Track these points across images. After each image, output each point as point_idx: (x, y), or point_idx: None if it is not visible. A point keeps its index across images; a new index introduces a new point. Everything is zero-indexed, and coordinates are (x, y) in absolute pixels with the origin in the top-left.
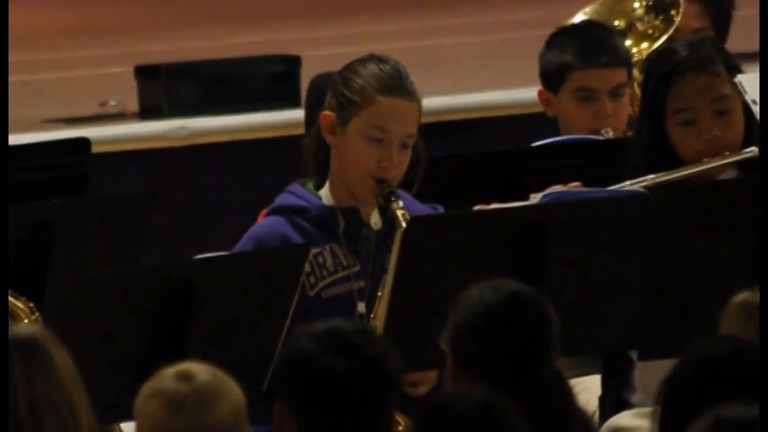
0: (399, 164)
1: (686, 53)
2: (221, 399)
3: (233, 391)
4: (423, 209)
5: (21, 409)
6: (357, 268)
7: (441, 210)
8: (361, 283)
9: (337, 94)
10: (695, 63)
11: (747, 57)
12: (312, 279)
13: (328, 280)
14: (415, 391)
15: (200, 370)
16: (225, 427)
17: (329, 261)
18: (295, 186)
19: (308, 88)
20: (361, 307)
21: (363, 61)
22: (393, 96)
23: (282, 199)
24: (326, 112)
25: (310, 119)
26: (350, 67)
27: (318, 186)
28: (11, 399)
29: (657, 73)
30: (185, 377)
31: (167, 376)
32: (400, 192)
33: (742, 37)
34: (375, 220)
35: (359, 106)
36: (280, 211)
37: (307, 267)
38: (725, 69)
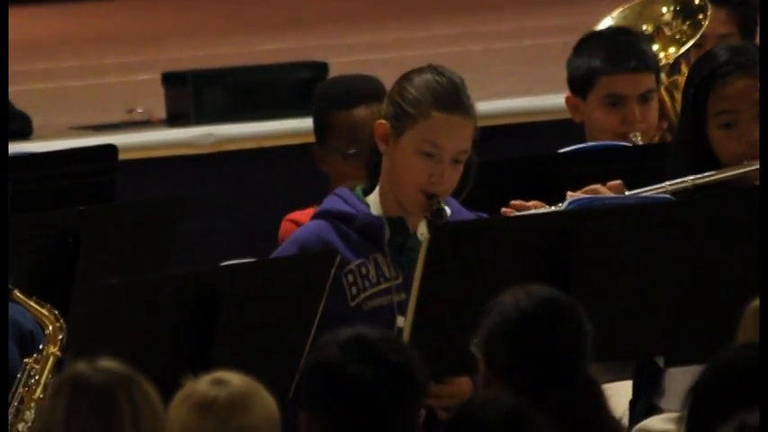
0: (450, 179)
1: (728, 56)
2: (252, 405)
3: (266, 400)
4: (469, 216)
5: None
6: (400, 280)
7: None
8: (403, 296)
9: (393, 103)
10: (737, 66)
11: None
12: (354, 290)
13: (370, 291)
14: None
15: (234, 377)
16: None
17: (372, 272)
18: (344, 190)
19: (315, 95)
20: (401, 321)
21: (420, 72)
22: (448, 112)
23: (330, 203)
24: (381, 121)
25: (320, 125)
26: (407, 77)
27: (367, 191)
28: None
29: (699, 76)
30: (218, 382)
31: (201, 382)
32: (449, 199)
33: None
34: (422, 230)
35: (413, 119)
36: (326, 215)
37: (350, 278)
38: None
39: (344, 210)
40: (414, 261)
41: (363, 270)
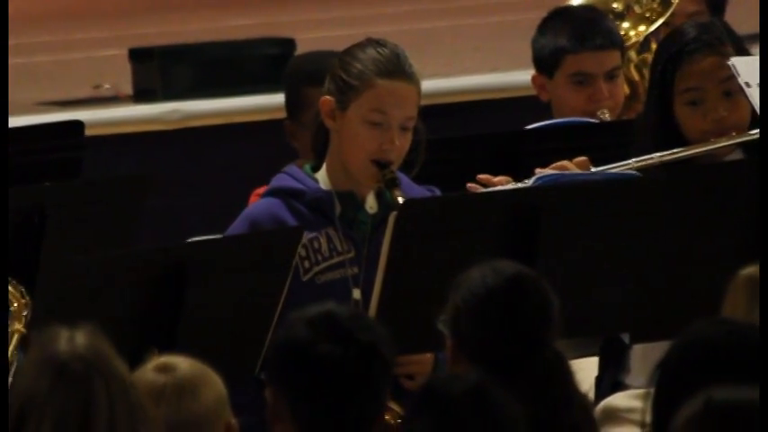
0: (400, 147)
1: (695, 34)
2: (202, 389)
3: (214, 382)
4: (420, 191)
5: None
6: (352, 254)
7: (437, 192)
8: (355, 270)
9: (336, 78)
10: (704, 43)
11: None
12: (306, 264)
13: (323, 265)
14: (411, 385)
15: (181, 362)
16: (206, 417)
17: (324, 246)
18: (292, 168)
19: (286, 71)
20: (357, 294)
21: (361, 45)
22: (392, 79)
23: (279, 180)
24: (326, 98)
25: (291, 101)
26: (348, 52)
27: (315, 169)
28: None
29: (666, 53)
30: (165, 369)
31: (147, 369)
32: (398, 174)
33: (737, 20)
34: (371, 203)
35: (358, 90)
36: (276, 192)
37: (302, 251)
38: (734, 51)
39: (294, 186)
40: (365, 235)
41: (315, 244)
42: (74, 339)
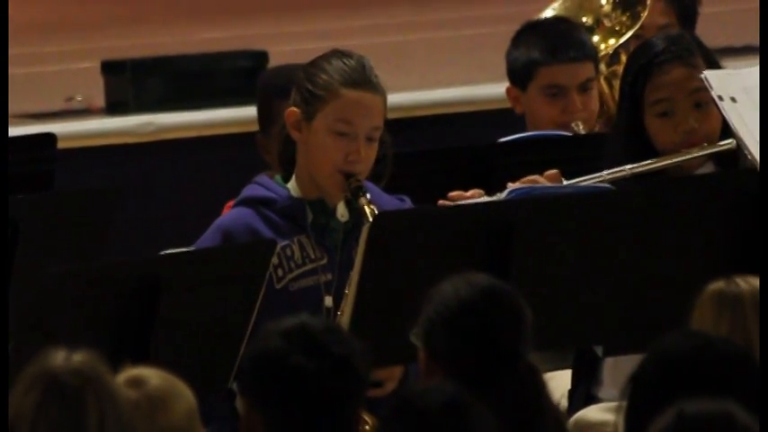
0: (366, 157)
1: (664, 45)
2: (173, 402)
3: (184, 394)
4: (389, 200)
5: None
6: (324, 261)
7: (407, 201)
8: (329, 276)
9: (302, 89)
10: (673, 55)
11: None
12: (280, 272)
13: (296, 272)
14: (379, 391)
15: (150, 375)
16: (178, 430)
17: (297, 253)
18: (263, 178)
19: (258, 84)
20: (328, 301)
21: (327, 57)
22: (358, 89)
23: (250, 190)
24: (292, 109)
25: (263, 114)
26: (314, 63)
27: (285, 180)
28: None
29: (636, 65)
30: (136, 383)
31: (118, 384)
32: (367, 183)
33: (708, 34)
34: (341, 212)
35: (324, 100)
36: (248, 202)
37: (275, 260)
38: (704, 63)
39: (265, 195)
40: (337, 242)
41: (288, 252)
42: (71, 357)
